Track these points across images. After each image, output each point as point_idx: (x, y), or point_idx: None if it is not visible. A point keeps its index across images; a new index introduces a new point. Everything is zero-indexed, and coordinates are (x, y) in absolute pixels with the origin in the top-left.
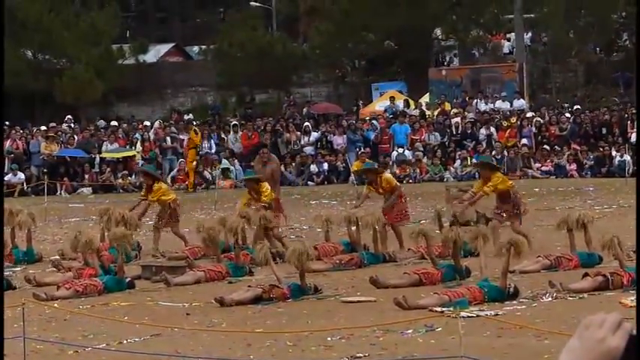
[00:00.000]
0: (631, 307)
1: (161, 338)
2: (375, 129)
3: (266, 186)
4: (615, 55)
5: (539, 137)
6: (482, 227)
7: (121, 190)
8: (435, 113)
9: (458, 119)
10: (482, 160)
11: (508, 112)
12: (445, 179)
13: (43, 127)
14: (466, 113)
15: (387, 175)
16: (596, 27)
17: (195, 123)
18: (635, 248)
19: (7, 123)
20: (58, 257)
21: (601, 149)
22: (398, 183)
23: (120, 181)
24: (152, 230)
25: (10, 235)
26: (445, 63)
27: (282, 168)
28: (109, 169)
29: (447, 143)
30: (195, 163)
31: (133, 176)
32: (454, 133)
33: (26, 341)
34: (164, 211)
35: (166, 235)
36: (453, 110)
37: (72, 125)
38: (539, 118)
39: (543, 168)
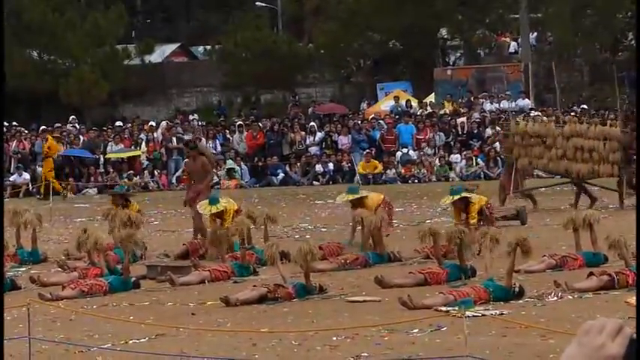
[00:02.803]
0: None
1: (166, 338)
2: (381, 128)
3: (228, 212)
4: (621, 54)
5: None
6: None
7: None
8: (441, 113)
9: (463, 119)
10: (457, 194)
11: (514, 112)
12: (450, 179)
13: (43, 127)
14: (472, 113)
15: (369, 198)
16: (602, 27)
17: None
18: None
19: (14, 123)
20: (63, 257)
21: None
22: (381, 201)
23: (125, 181)
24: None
25: (16, 235)
26: (450, 63)
27: (288, 168)
28: (113, 170)
29: (452, 143)
30: (51, 171)
31: (138, 176)
32: (460, 133)
33: (31, 341)
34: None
35: (170, 235)
36: (459, 109)
37: (77, 126)
38: (544, 118)
39: None
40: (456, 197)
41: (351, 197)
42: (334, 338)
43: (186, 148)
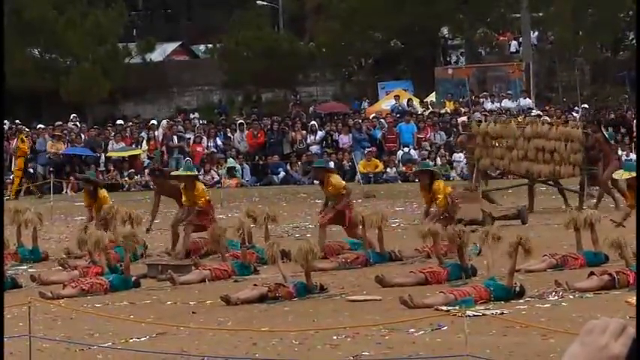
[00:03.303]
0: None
1: (167, 337)
2: (382, 127)
3: (200, 187)
4: (622, 54)
5: None
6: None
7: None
8: (442, 112)
9: (464, 118)
10: (424, 167)
11: (515, 112)
12: (451, 178)
13: (40, 126)
14: (473, 112)
15: (335, 177)
16: (603, 26)
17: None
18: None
19: (17, 121)
20: (64, 256)
21: None
22: (347, 190)
23: (126, 179)
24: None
25: (17, 233)
26: (452, 62)
27: (288, 167)
28: (114, 169)
29: (453, 142)
30: (19, 170)
31: (139, 175)
32: (461, 132)
33: (32, 340)
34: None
35: (168, 233)
36: (460, 109)
37: (77, 124)
38: (546, 117)
39: None
40: (422, 168)
41: (317, 165)
42: (335, 337)
43: (152, 177)
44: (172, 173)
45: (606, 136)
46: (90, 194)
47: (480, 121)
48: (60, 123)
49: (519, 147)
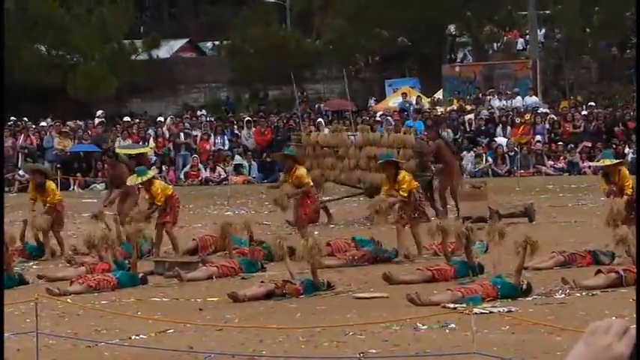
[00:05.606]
0: None
1: (174, 334)
2: (389, 124)
3: (157, 185)
4: (629, 52)
5: (553, 134)
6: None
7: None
8: (448, 110)
9: (471, 116)
10: (388, 158)
11: (522, 109)
12: None
13: (43, 124)
14: (479, 110)
15: (302, 170)
16: (611, 24)
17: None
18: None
19: (25, 119)
20: (70, 252)
21: (614, 146)
22: (310, 182)
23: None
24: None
25: (23, 229)
26: (459, 59)
27: None
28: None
29: (460, 140)
30: None
31: None
32: (467, 130)
33: (39, 336)
34: (50, 212)
35: (178, 230)
36: (466, 107)
37: (104, 120)
38: (553, 115)
39: (556, 165)
40: (387, 159)
41: (287, 153)
42: (342, 335)
43: (106, 156)
44: (129, 182)
45: (447, 142)
46: (36, 185)
47: (310, 132)
48: (70, 123)
49: (351, 156)
